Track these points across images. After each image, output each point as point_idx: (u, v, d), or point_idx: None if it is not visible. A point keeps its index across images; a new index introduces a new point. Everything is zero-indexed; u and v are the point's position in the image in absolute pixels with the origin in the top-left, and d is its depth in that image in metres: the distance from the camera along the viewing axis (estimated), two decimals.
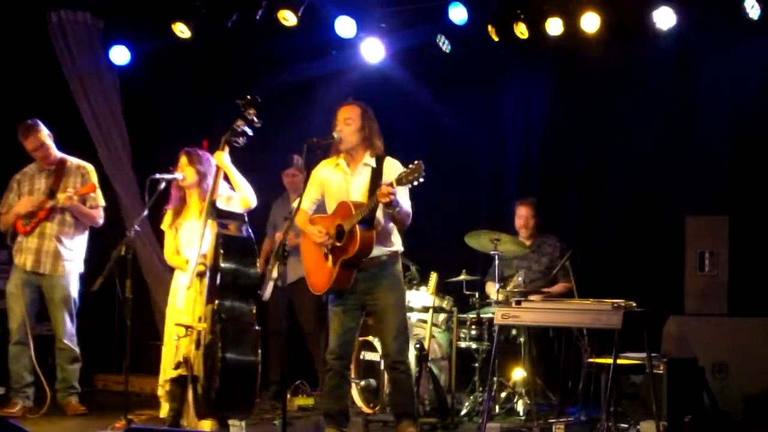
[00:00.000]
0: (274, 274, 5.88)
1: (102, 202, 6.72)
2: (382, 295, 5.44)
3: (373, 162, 5.47)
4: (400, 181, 5.08)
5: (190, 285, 5.54)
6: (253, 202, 5.76)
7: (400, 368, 5.48)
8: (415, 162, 5.06)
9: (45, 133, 6.60)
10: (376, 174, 5.42)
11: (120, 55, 8.24)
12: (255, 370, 5.33)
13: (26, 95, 7.65)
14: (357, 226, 5.24)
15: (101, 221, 6.72)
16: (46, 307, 6.72)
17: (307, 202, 5.54)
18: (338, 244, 5.32)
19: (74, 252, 6.64)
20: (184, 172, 5.86)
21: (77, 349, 6.71)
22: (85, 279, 6.63)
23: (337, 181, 5.51)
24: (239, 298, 5.41)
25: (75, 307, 6.69)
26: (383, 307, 5.44)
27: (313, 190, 5.55)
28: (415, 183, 5.06)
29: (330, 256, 5.38)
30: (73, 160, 6.72)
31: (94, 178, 6.71)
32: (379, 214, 5.36)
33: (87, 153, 7.90)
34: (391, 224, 5.48)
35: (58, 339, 6.64)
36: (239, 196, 5.76)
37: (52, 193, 6.55)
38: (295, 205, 5.64)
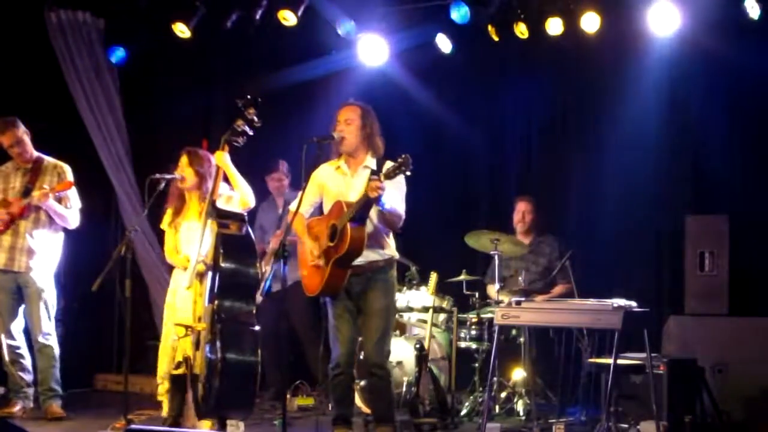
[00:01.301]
0: (267, 273, 5.93)
1: (78, 203, 6.65)
2: (371, 297, 5.40)
3: (373, 164, 5.44)
4: (387, 175, 5.06)
5: (190, 285, 5.54)
6: (252, 202, 5.76)
7: (378, 373, 5.41)
8: (403, 155, 5.06)
9: (22, 130, 6.58)
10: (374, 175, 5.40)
11: (116, 53, 8.23)
12: (255, 370, 5.33)
13: (26, 95, 7.64)
14: (348, 224, 5.21)
15: (76, 223, 6.65)
16: None
17: (304, 205, 5.47)
18: (331, 244, 5.30)
19: (48, 250, 6.59)
20: (184, 173, 5.86)
21: (56, 349, 6.60)
22: (85, 279, 6.61)
23: (337, 183, 5.48)
24: (239, 298, 5.40)
25: (53, 305, 6.62)
26: (370, 310, 5.40)
27: (311, 192, 5.50)
28: (401, 175, 5.07)
29: (323, 257, 5.35)
30: (49, 159, 6.67)
31: (70, 177, 6.65)
32: (373, 214, 5.34)
33: (87, 153, 7.93)
34: (388, 229, 5.46)
35: (35, 339, 6.54)
36: (238, 196, 5.76)
37: (27, 192, 6.50)
38: (291, 207, 5.64)
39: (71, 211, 6.61)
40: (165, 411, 5.80)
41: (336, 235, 5.26)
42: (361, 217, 5.25)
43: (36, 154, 6.65)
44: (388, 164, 5.31)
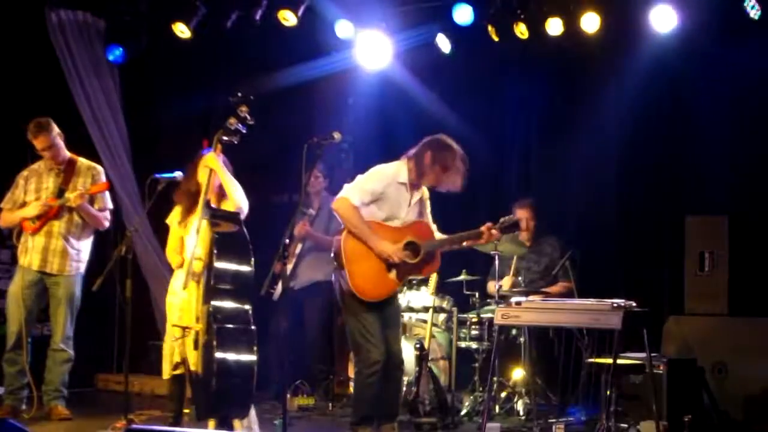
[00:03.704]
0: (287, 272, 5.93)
1: (110, 205, 6.65)
2: (395, 302, 5.65)
3: (426, 193, 5.71)
4: (502, 228, 5.56)
5: (185, 285, 5.53)
6: (243, 204, 5.66)
7: (402, 369, 5.65)
8: (516, 218, 5.65)
9: (56, 132, 6.52)
10: (423, 204, 5.68)
11: (116, 53, 8.23)
12: (251, 370, 5.31)
13: (26, 95, 7.64)
14: (438, 252, 5.49)
15: (107, 224, 6.65)
16: (46, 308, 6.63)
17: (361, 203, 5.48)
18: (412, 261, 5.42)
19: (81, 253, 6.58)
20: (200, 173, 5.77)
21: (72, 352, 6.58)
22: (85, 279, 6.61)
23: (399, 198, 5.56)
24: (234, 298, 5.39)
25: (77, 309, 6.61)
26: (394, 312, 5.59)
27: (373, 194, 5.48)
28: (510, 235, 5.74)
29: (394, 270, 5.43)
30: (83, 160, 6.66)
31: (104, 178, 6.67)
32: None
33: (87, 153, 7.91)
34: None
35: (54, 341, 6.52)
36: (228, 199, 5.69)
37: (61, 193, 6.48)
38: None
39: (104, 213, 6.60)
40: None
41: (419, 254, 5.45)
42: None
43: (68, 155, 6.62)
44: (426, 196, 5.72)
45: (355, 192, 5.44)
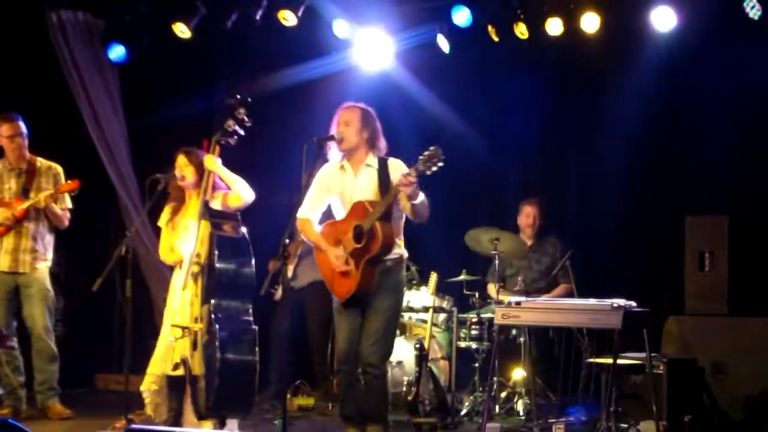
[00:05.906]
0: (289, 275, 5.86)
1: (70, 204, 6.67)
2: (377, 297, 5.35)
3: (375, 163, 5.42)
4: (418, 168, 5.01)
5: (185, 286, 5.54)
6: (246, 197, 5.69)
7: (371, 372, 5.30)
8: (431, 147, 5.01)
9: (23, 128, 6.56)
10: (382, 173, 5.37)
11: (116, 53, 8.23)
12: (253, 370, 5.33)
13: (26, 95, 7.64)
14: (376, 223, 5.17)
15: (67, 223, 6.67)
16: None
17: (313, 210, 5.47)
18: (358, 245, 5.24)
19: (47, 252, 6.61)
20: (183, 172, 5.85)
21: (55, 348, 6.60)
22: (86, 279, 6.61)
23: (341, 183, 5.45)
24: (235, 298, 5.40)
25: (53, 304, 6.64)
26: (373, 309, 5.34)
27: (320, 197, 5.47)
28: (434, 169, 5.00)
29: (351, 261, 5.27)
30: (42, 161, 6.67)
31: (63, 179, 6.65)
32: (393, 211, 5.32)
33: (87, 153, 7.93)
34: (396, 228, 5.41)
35: (36, 338, 6.53)
36: (232, 193, 5.72)
37: (25, 192, 6.51)
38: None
39: (65, 212, 6.63)
40: (151, 409, 5.78)
41: (363, 235, 5.22)
42: (387, 214, 5.24)
43: (29, 155, 6.63)
44: (400, 165, 5.33)
45: (303, 206, 5.46)
